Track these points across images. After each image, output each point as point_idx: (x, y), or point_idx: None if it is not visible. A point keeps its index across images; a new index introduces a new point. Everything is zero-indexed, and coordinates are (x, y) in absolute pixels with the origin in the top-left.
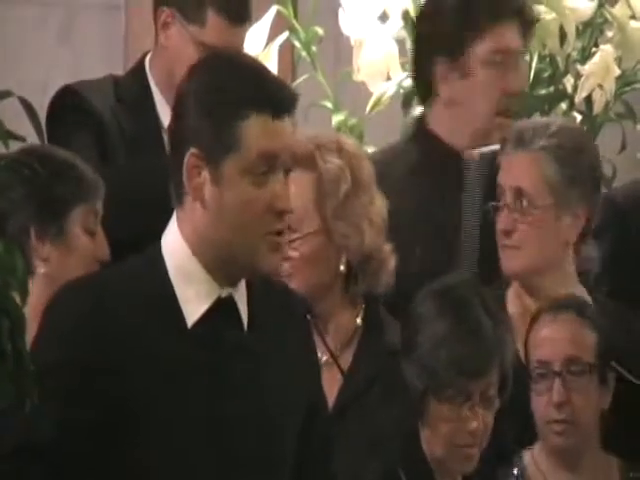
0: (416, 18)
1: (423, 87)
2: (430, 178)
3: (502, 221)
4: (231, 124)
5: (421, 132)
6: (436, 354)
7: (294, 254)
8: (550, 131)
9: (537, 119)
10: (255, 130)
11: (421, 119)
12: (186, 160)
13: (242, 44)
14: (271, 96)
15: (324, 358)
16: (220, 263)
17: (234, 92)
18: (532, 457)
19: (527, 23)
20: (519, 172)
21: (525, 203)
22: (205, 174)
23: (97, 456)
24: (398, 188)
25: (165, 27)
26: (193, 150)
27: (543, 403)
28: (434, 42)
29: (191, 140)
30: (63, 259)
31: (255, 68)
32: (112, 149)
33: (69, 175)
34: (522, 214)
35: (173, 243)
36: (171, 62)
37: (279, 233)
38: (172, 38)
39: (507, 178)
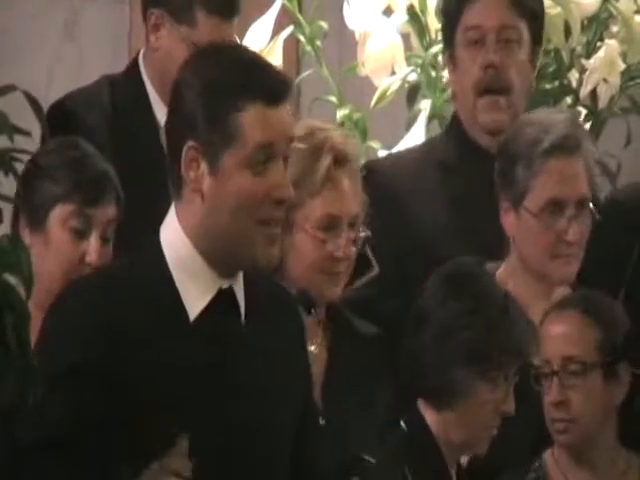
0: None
1: None
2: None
3: (573, 233)
4: (227, 116)
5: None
6: (486, 338)
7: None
8: (582, 128)
9: (549, 115)
10: (251, 121)
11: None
12: (184, 153)
13: (233, 36)
14: (263, 85)
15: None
16: (220, 255)
17: (227, 83)
18: (552, 455)
19: None
20: (580, 181)
21: (585, 211)
22: (204, 166)
23: (107, 449)
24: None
25: (155, 29)
26: (191, 143)
27: (547, 402)
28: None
29: (188, 133)
30: (41, 250)
31: (247, 58)
32: None
33: (54, 173)
34: (584, 224)
35: (173, 237)
36: (163, 63)
37: (273, 223)
38: (163, 39)
39: (570, 190)
